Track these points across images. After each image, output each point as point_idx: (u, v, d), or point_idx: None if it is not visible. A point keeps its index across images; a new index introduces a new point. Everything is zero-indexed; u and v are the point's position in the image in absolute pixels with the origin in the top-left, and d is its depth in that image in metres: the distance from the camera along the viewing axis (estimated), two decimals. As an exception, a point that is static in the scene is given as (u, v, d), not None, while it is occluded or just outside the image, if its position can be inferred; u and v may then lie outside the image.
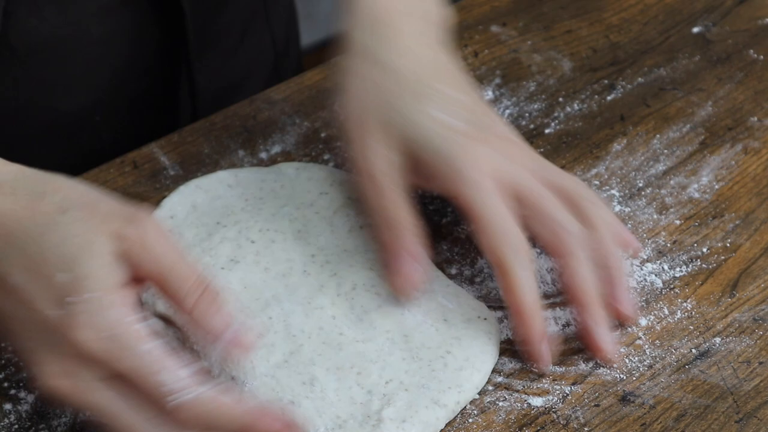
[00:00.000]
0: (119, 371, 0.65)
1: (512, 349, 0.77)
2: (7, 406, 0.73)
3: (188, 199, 0.82)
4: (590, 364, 0.76)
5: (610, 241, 0.76)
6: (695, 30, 1.01)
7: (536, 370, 0.75)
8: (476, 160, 0.75)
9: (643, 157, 0.90)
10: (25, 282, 0.65)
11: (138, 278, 0.67)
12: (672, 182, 0.88)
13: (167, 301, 0.69)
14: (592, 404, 0.74)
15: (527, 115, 0.93)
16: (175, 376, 0.64)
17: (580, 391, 0.75)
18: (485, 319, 0.76)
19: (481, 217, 0.74)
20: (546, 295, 0.79)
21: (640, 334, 0.78)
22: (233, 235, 0.79)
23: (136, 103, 0.98)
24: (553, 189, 0.77)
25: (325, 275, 0.77)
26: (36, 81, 0.91)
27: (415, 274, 0.75)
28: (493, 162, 0.76)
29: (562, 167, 0.88)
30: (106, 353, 0.64)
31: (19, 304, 0.66)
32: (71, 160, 0.88)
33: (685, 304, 0.80)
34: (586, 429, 0.72)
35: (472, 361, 0.74)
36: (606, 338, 0.75)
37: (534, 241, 0.76)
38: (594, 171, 0.88)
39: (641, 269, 0.81)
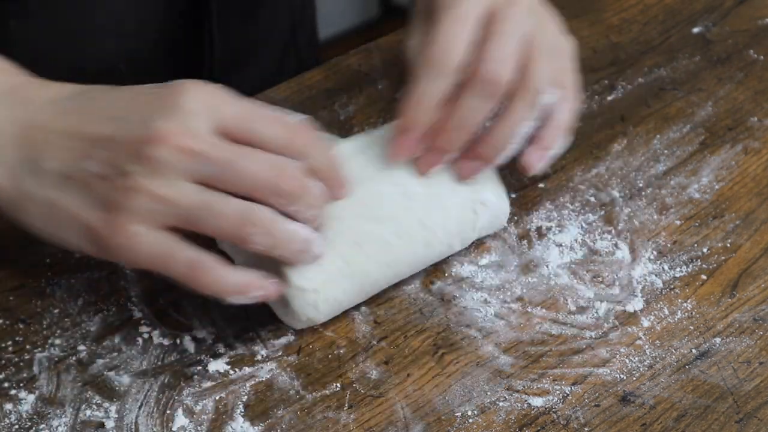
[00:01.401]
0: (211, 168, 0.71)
1: (513, 349, 0.77)
2: (8, 406, 0.73)
3: None
4: (590, 365, 0.76)
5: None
6: (695, 30, 1.01)
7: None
8: None
9: (643, 158, 0.90)
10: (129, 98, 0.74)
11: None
12: (672, 182, 0.88)
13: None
14: (593, 404, 0.74)
15: (527, 115, 0.93)
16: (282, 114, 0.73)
17: (580, 391, 0.75)
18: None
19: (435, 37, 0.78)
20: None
21: (641, 334, 0.78)
22: None
23: (159, 55, 0.99)
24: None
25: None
26: (61, 29, 0.92)
27: (414, 149, 0.79)
28: None
29: (562, 168, 0.88)
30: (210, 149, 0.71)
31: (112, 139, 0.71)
32: None
33: (685, 305, 0.80)
34: (586, 429, 0.73)
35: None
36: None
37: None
38: (594, 171, 0.88)
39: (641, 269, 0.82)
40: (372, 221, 0.78)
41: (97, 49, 0.95)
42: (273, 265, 0.75)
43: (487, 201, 0.81)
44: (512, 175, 0.88)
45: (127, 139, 0.71)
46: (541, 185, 0.87)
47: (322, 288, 0.75)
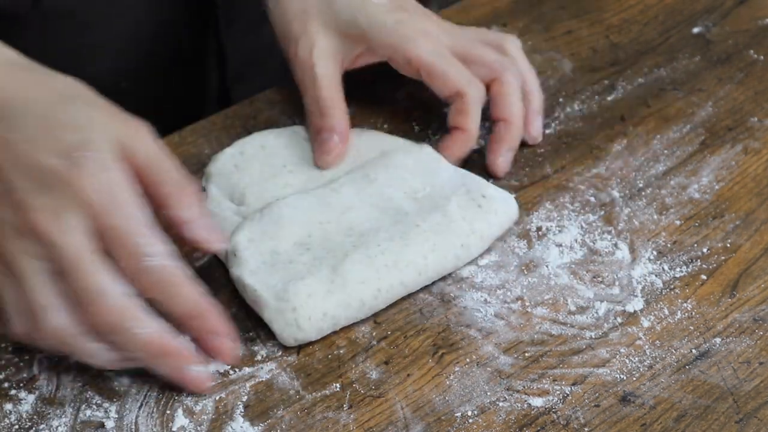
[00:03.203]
0: (106, 225, 0.69)
1: (513, 349, 0.77)
2: (8, 406, 0.73)
3: (258, 141, 0.87)
4: (590, 365, 0.76)
5: (529, 71, 0.91)
6: (695, 30, 1.01)
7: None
8: (415, 25, 0.87)
9: (643, 158, 0.90)
10: (34, 136, 0.70)
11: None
12: (672, 182, 0.88)
13: (149, 194, 0.73)
14: (593, 404, 0.74)
15: (527, 115, 0.93)
16: (155, 243, 0.70)
17: (580, 391, 0.75)
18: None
19: (431, 64, 0.86)
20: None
21: (641, 334, 0.78)
22: (298, 184, 0.84)
23: (162, 72, 0.99)
24: (478, 40, 0.90)
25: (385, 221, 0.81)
26: (64, 46, 0.93)
27: (339, 150, 0.85)
28: (432, 29, 0.88)
29: (563, 167, 0.88)
30: (102, 204, 0.69)
31: (18, 155, 0.70)
32: None
33: (685, 305, 0.80)
34: (586, 429, 0.72)
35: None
36: (508, 159, 0.88)
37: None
38: (594, 171, 0.88)
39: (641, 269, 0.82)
40: (355, 236, 0.79)
41: (97, 67, 0.94)
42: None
43: (488, 194, 0.82)
44: (512, 177, 0.88)
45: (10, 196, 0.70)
46: (540, 185, 0.87)
47: (302, 305, 0.75)
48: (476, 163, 0.88)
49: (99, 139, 0.71)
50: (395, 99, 0.92)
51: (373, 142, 0.87)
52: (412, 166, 0.84)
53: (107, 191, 0.69)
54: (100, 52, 0.95)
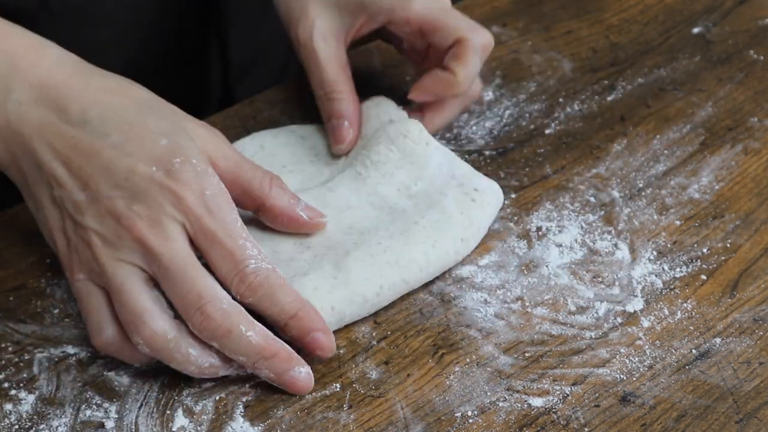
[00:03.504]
0: (206, 229, 0.71)
1: (513, 349, 0.77)
2: (8, 406, 0.73)
3: (258, 141, 0.87)
4: (590, 365, 0.76)
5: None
6: (695, 30, 1.01)
7: None
8: None
9: (643, 158, 0.90)
10: (122, 144, 0.71)
11: None
12: (672, 183, 0.88)
13: (239, 197, 0.75)
14: (593, 404, 0.74)
15: (527, 115, 0.93)
16: (252, 248, 0.72)
17: (580, 391, 0.75)
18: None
19: (431, 16, 0.85)
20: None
21: (641, 334, 0.78)
22: (297, 183, 0.83)
23: (165, 69, 1.00)
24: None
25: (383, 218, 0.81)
26: (71, 43, 0.93)
27: (352, 136, 0.85)
28: None
29: (563, 167, 0.88)
30: (202, 209, 0.71)
31: (107, 163, 0.71)
32: None
33: (685, 305, 0.80)
34: (586, 429, 0.72)
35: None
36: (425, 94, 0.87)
37: None
38: (594, 171, 0.88)
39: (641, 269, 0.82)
40: (356, 234, 0.79)
41: (102, 64, 0.95)
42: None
43: (479, 187, 0.83)
44: (512, 177, 0.88)
45: (104, 200, 0.71)
46: (540, 185, 0.87)
47: (309, 298, 0.75)
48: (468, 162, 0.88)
49: (188, 146, 0.72)
50: (395, 99, 0.92)
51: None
52: (398, 159, 0.83)
53: (205, 197, 0.71)
54: (105, 49, 0.95)
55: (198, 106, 1.01)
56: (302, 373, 0.73)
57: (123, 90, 0.75)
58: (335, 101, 0.85)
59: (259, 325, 0.72)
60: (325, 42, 0.85)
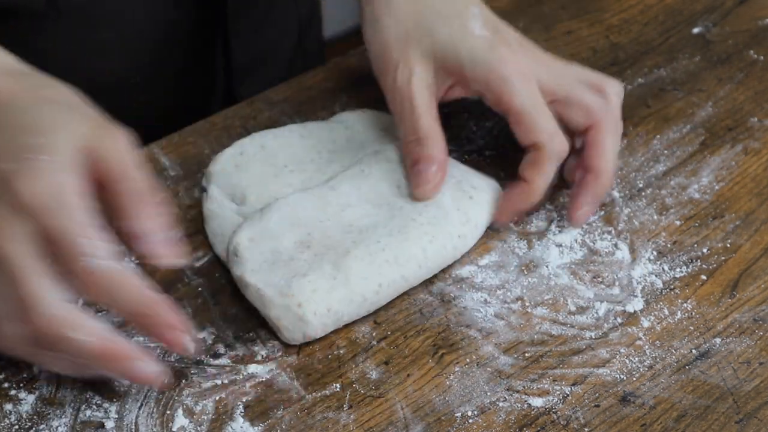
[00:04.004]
0: (47, 227, 0.67)
1: (513, 349, 0.77)
2: (8, 406, 0.73)
3: (258, 141, 0.86)
4: (590, 365, 0.76)
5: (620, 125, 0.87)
6: (695, 30, 1.01)
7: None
8: (515, 65, 0.83)
9: (643, 158, 0.90)
10: None
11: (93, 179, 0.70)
12: (672, 183, 0.88)
13: (110, 203, 0.71)
14: (593, 405, 0.74)
15: (527, 115, 0.93)
16: (95, 243, 0.68)
17: (580, 391, 0.75)
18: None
19: (521, 112, 0.82)
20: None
21: (641, 334, 0.78)
22: (298, 183, 0.84)
23: (171, 68, 1.00)
24: (579, 80, 0.86)
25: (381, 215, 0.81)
26: (78, 43, 0.93)
27: (439, 179, 0.83)
28: (526, 64, 0.84)
29: (562, 167, 0.88)
30: (42, 207, 0.67)
31: None
32: None
33: (685, 305, 0.80)
34: (586, 429, 0.72)
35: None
36: (589, 212, 0.84)
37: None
38: (594, 171, 0.88)
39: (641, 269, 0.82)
40: (355, 232, 0.79)
41: (108, 63, 0.95)
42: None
43: (477, 185, 0.83)
44: (512, 177, 0.88)
45: None
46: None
47: (307, 300, 0.75)
48: (476, 163, 0.88)
49: (58, 143, 0.69)
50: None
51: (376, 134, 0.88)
52: (399, 159, 0.84)
53: (48, 194, 0.67)
54: (113, 48, 0.95)
55: (201, 107, 1.01)
56: (148, 369, 0.70)
57: (38, 90, 0.72)
58: (427, 146, 0.83)
59: (99, 326, 0.69)
60: (422, 91, 0.84)
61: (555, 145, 0.82)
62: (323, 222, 0.80)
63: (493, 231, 0.84)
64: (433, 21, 0.84)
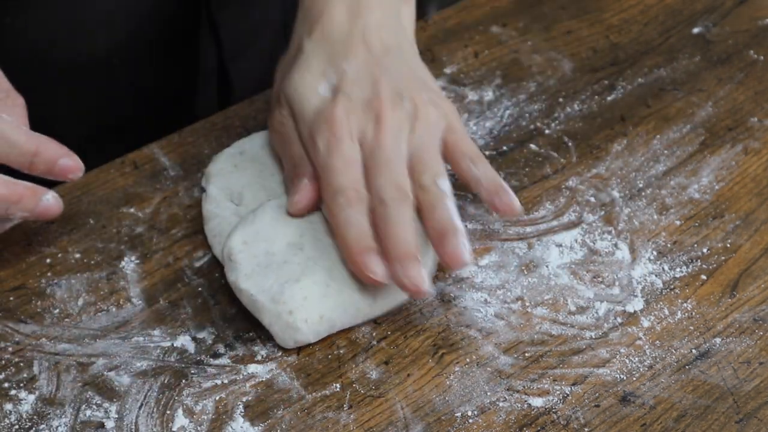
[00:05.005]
0: None
1: (513, 349, 0.77)
2: (8, 406, 0.73)
3: (258, 141, 0.87)
4: (590, 365, 0.76)
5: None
6: (695, 30, 1.01)
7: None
8: (333, 119, 0.79)
9: (643, 158, 0.90)
10: None
11: None
12: (672, 183, 0.88)
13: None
14: (593, 404, 0.74)
15: (527, 115, 0.93)
16: None
17: (580, 391, 0.75)
18: None
19: (321, 168, 0.79)
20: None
21: (641, 334, 0.78)
22: None
23: (153, 51, 0.99)
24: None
25: None
26: (59, 22, 0.93)
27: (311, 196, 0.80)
28: (352, 121, 0.79)
29: (562, 167, 0.88)
30: None
31: None
32: (88, 102, 0.95)
33: (685, 305, 0.80)
34: (586, 429, 0.72)
35: None
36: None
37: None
38: (594, 171, 0.88)
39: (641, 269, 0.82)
40: None
41: (88, 44, 0.95)
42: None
43: None
44: (512, 177, 0.88)
45: None
46: (540, 185, 0.87)
47: (298, 308, 0.75)
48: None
49: None
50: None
51: None
52: None
53: None
54: (97, 30, 0.95)
55: (190, 88, 1.01)
56: (50, 199, 0.76)
57: None
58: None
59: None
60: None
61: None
62: (314, 223, 0.79)
63: (493, 231, 0.84)
64: (287, 70, 0.84)
